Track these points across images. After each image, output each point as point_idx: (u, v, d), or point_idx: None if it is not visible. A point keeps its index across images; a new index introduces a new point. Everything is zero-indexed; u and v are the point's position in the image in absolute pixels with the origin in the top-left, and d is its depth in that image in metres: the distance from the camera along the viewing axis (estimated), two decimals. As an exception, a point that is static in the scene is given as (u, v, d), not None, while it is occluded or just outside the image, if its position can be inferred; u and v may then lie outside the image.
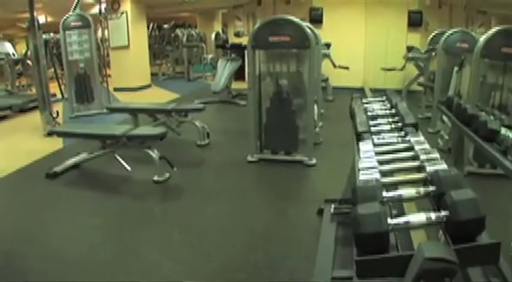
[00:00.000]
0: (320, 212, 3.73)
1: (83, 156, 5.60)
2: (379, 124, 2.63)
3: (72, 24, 9.19)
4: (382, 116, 2.81)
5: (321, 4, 10.93)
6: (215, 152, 6.02)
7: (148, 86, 12.90)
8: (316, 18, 10.78)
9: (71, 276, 3.17)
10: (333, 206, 3.62)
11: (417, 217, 1.37)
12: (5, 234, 4.07)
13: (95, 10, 11.60)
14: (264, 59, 5.38)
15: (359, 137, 2.36)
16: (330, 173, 4.93)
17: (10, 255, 3.64)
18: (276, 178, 4.98)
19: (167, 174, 4.92)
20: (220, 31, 17.48)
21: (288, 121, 5.24)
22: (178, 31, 15.36)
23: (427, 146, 2.00)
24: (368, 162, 1.89)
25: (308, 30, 5.02)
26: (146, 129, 5.47)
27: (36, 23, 7.53)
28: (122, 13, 11.92)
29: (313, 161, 5.16)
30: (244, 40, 12.11)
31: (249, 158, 5.37)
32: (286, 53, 5.32)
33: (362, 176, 1.75)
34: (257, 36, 5.15)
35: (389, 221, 1.34)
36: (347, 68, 9.58)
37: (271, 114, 5.30)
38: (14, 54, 12.11)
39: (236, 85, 9.93)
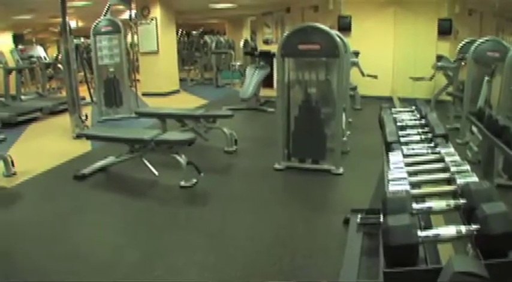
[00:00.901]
0: (346, 221, 3.70)
1: (111, 159, 5.67)
2: (409, 134, 2.61)
3: (103, 29, 9.35)
4: (412, 127, 2.79)
5: (350, 12, 10.84)
6: (242, 159, 6.01)
7: (177, 92, 12.99)
8: (345, 26, 10.66)
9: (95, 279, 3.22)
10: (359, 216, 3.59)
11: (447, 230, 1.36)
12: (32, 234, 4.16)
13: (125, 16, 11.75)
14: (293, 67, 5.35)
15: (388, 147, 2.35)
16: (357, 183, 4.89)
17: (35, 254, 3.73)
18: (303, 186, 4.95)
19: (194, 180, 4.95)
20: (249, 38, 17.54)
21: (316, 129, 5.20)
22: (206, 37, 15.44)
23: (457, 158, 1.98)
24: (398, 173, 1.88)
25: (337, 39, 5.00)
26: (175, 134, 5.50)
27: (68, 28, 7.68)
28: (152, 19, 12.05)
29: (340, 170, 5.11)
30: (273, 47, 12.14)
31: (276, 166, 5.35)
32: (316, 61, 5.28)
33: (392, 187, 1.74)
34: (286, 44, 5.13)
35: (419, 233, 1.33)
36: (375, 76, 9.50)
37: (300, 122, 5.28)
38: (45, 58, 12.33)
39: (264, 92, 9.92)
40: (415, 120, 2.96)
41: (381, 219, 3.24)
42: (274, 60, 10.81)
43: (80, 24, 15.71)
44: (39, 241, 3.98)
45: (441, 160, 2.02)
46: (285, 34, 5.29)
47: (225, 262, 3.37)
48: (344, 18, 10.85)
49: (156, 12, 12.09)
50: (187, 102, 10.58)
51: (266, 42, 14.33)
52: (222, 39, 16.28)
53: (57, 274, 3.32)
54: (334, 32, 5.23)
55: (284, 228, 3.91)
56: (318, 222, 4.00)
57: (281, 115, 5.33)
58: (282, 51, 5.18)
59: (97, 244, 3.88)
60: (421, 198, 1.75)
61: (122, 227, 4.23)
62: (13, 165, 5.93)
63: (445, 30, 10.04)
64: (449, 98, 8.14)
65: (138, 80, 10.27)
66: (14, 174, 5.87)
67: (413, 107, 3.28)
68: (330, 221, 4.00)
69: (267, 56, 10.90)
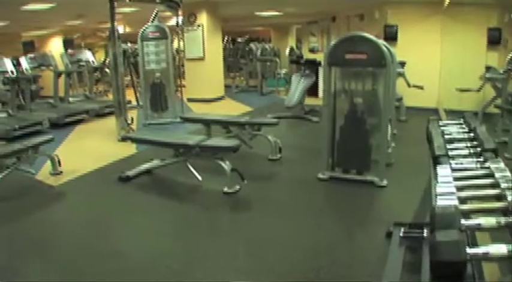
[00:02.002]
0: (389, 234, 3.62)
1: (155, 162, 5.77)
2: (457, 148, 2.57)
3: (150, 35, 9.55)
4: (460, 140, 2.74)
5: (396, 21, 10.65)
6: (286, 167, 6.00)
7: (222, 98, 13.06)
8: (391, 36, 10.45)
9: (135, 278, 3.30)
10: (402, 229, 3.54)
11: (497, 249, 1.34)
12: (75, 231, 4.33)
13: (172, 22, 11.92)
14: (339, 76, 5.30)
15: (436, 161, 2.31)
16: (400, 196, 4.79)
17: (77, 251, 3.86)
18: (346, 197, 4.90)
19: (237, 187, 4.98)
20: (294, 46, 17.53)
21: (361, 140, 5.15)
22: (252, 45, 15.49)
23: (508, 173, 1.93)
24: (446, 188, 1.85)
25: (384, 49, 4.95)
26: (220, 140, 5.55)
27: (116, 33, 7.87)
28: (199, 25, 12.20)
29: (384, 182, 5.02)
30: (318, 56, 12.11)
31: (320, 176, 5.31)
32: (362, 71, 5.23)
33: (440, 202, 1.72)
34: (333, 53, 5.10)
35: (468, 250, 1.31)
36: (422, 87, 9.33)
37: (345, 132, 5.23)
38: (93, 62, 12.61)
39: (309, 101, 9.89)
40: (463, 133, 2.91)
41: (425, 234, 3.21)
42: (320, 69, 10.85)
43: (127, 29, 16.02)
44: (82, 239, 4.13)
45: (491, 175, 1.98)
46: (332, 43, 5.26)
47: (263, 269, 3.39)
48: (390, 27, 10.69)
49: (203, 19, 12.23)
50: (232, 109, 10.65)
51: (312, 50, 14.29)
52: (267, 46, 16.29)
53: (97, 272, 3.43)
54: (381, 42, 5.19)
55: (325, 238, 3.89)
56: (359, 234, 3.97)
57: (327, 124, 5.30)
58: (328, 60, 5.16)
59: (138, 245, 3.97)
60: (472, 214, 1.72)
61: (164, 230, 4.30)
62: (60, 164, 6.15)
63: (494, 39, 9.73)
64: (497, 110, 7.92)
65: (183, 86, 10.39)
66: (61, 173, 6.09)
67: (462, 120, 3.23)
68: (371, 233, 3.95)
69: (313, 65, 10.88)
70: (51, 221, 4.64)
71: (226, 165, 4.94)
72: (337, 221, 4.26)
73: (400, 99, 8.94)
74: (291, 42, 20.11)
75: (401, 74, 9.00)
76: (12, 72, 10.20)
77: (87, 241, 4.06)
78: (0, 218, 4.67)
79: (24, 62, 10.99)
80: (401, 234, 3.47)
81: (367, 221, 4.28)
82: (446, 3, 9.11)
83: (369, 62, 4.98)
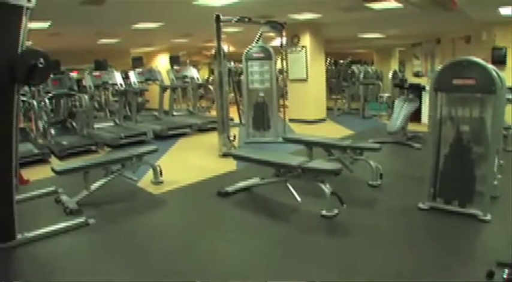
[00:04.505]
0: (490, 275, 3.37)
1: (255, 180, 5.93)
2: None
3: (255, 55, 9.85)
4: None
5: (505, 43, 10.15)
6: (386, 194, 5.87)
7: (323, 120, 13.10)
8: (499, 59, 9.99)
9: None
10: (506, 271, 3.34)
11: None
12: (169, 240, 4.60)
13: (275, 42, 12.14)
14: (445, 103, 5.12)
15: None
16: (505, 233, 4.47)
17: (169, 257, 4.15)
18: (446, 229, 4.66)
19: (336, 210, 4.99)
20: (397, 69, 17.27)
21: (466, 170, 4.94)
22: (354, 67, 15.41)
23: None
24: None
25: (494, 74, 4.74)
26: (322, 163, 5.56)
27: (222, 53, 8.16)
28: (303, 47, 12.34)
29: (488, 217, 4.72)
30: (422, 80, 11.85)
31: (420, 205, 5.14)
32: (470, 97, 5.02)
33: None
34: (440, 78, 4.98)
35: None
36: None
37: (449, 161, 5.05)
38: (197, 79, 13.14)
39: (411, 127, 9.67)
40: None
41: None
42: (423, 94, 10.62)
43: (231, 49, 16.48)
44: (175, 245, 4.43)
45: None
46: (439, 67, 5.13)
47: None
48: (498, 50, 10.21)
49: (306, 40, 12.39)
50: (333, 132, 10.67)
51: (417, 74, 14.00)
52: (369, 69, 16.16)
53: (184, 279, 3.68)
54: (490, 66, 4.99)
55: (420, 270, 3.77)
56: (456, 270, 3.75)
57: (431, 152, 5.16)
58: (435, 85, 5.03)
59: (229, 260, 4.13)
60: None
61: (255, 247, 4.40)
62: (161, 174, 6.52)
63: None
64: None
65: (286, 106, 10.54)
66: (161, 182, 6.47)
67: None
68: (470, 270, 3.72)
69: (416, 89, 10.68)
70: (148, 226, 5.02)
71: (326, 188, 4.96)
72: (435, 253, 4.07)
73: (508, 128, 8.52)
74: (394, 64, 19.81)
75: (511, 101, 8.60)
76: (121, 84, 10.95)
77: (179, 248, 4.35)
78: (103, 219, 5.17)
79: (132, 76, 11.80)
80: (504, 276, 3.28)
81: (467, 256, 4.04)
82: None
83: (478, 88, 4.78)
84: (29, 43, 4.54)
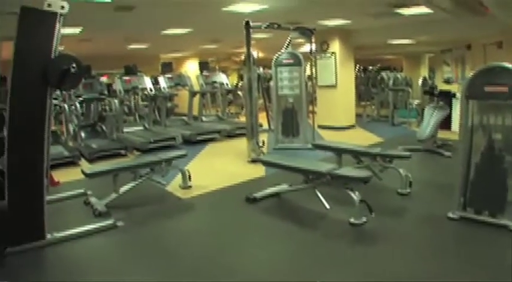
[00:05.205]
0: None
1: (284, 187, 5.94)
2: None
3: (284, 61, 9.85)
4: None
5: (539, 47, 9.99)
6: (415, 203, 5.78)
7: (353, 127, 13.03)
8: (533, 65, 9.82)
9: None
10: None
11: None
12: (196, 243, 4.65)
13: (304, 49, 12.13)
14: (477, 110, 5.02)
15: None
16: None
17: (197, 260, 4.20)
18: (475, 241, 4.52)
19: (364, 218, 4.95)
20: (427, 76, 17.08)
21: (498, 180, 4.82)
22: (383, 74, 15.28)
23: None
24: None
25: (528, 81, 4.66)
26: (351, 170, 5.53)
27: (251, 58, 8.18)
28: (332, 53, 12.31)
29: None
30: (453, 87, 11.69)
31: (450, 215, 5.03)
32: (502, 104, 4.90)
33: None
34: (472, 85, 4.89)
35: None
36: None
37: (480, 170, 4.95)
38: (227, 84, 13.20)
39: (441, 134, 9.52)
40: None
41: None
42: (454, 101, 10.47)
43: (260, 55, 16.52)
44: (201, 249, 4.48)
45: None
46: (471, 74, 5.03)
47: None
48: (532, 55, 10.04)
49: (335, 46, 12.37)
50: (362, 139, 10.60)
51: (447, 81, 13.81)
52: (399, 75, 15.99)
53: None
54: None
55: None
56: None
57: (461, 161, 5.06)
58: (466, 92, 4.95)
59: (256, 265, 4.14)
60: None
61: (283, 254, 4.40)
62: (190, 179, 6.55)
63: None
64: None
65: (314, 112, 10.51)
66: (190, 187, 6.52)
67: None
68: None
69: (447, 96, 10.54)
70: (176, 230, 5.09)
71: (355, 196, 4.94)
72: (463, 265, 3.96)
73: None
74: (423, 71, 19.59)
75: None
76: (150, 89, 11.08)
77: (207, 252, 4.39)
78: (131, 222, 5.25)
79: (162, 81, 11.95)
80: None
81: (496, 269, 3.88)
82: None
83: (510, 95, 4.67)
84: (61, 48, 4.64)
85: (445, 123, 10.06)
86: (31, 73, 4.32)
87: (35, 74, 4.32)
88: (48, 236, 4.59)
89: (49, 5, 4.35)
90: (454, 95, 10.82)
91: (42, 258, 4.37)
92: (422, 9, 8.77)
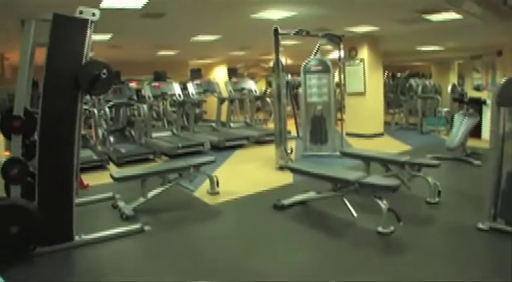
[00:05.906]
0: None
1: (311, 194, 5.91)
2: None
3: (313, 68, 9.83)
4: None
5: None
6: (444, 213, 5.68)
7: (381, 135, 12.93)
8: None
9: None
10: None
11: None
12: (222, 249, 4.68)
13: (332, 55, 12.09)
14: (508, 118, 4.92)
15: None
16: None
17: (224, 263, 4.25)
18: (505, 253, 4.32)
19: (392, 227, 4.89)
20: (456, 83, 16.86)
21: (530, 190, 4.72)
22: (412, 81, 15.11)
23: None
24: None
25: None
26: (379, 178, 5.49)
27: (280, 65, 8.20)
28: (361, 60, 12.26)
29: None
30: (483, 94, 11.52)
31: (479, 225, 4.89)
32: None
33: None
34: (504, 92, 4.79)
35: None
36: None
37: (512, 179, 4.87)
38: (255, 91, 13.23)
39: (471, 143, 9.36)
40: None
41: None
42: (484, 108, 10.32)
43: (289, 61, 16.55)
44: (228, 255, 4.50)
45: None
46: (503, 80, 4.96)
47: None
48: None
49: (364, 53, 12.33)
50: (390, 147, 10.53)
51: (477, 88, 13.64)
52: (427, 82, 15.80)
53: None
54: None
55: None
56: None
57: (492, 170, 4.94)
58: (498, 99, 4.87)
59: (283, 271, 4.11)
60: None
61: (310, 261, 4.36)
62: (218, 185, 6.59)
63: None
64: None
65: (343, 120, 10.49)
66: (217, 193, 6.58)
67: None
68: None
69: (476, 104, 10.39)
70: (203, 235, 5.11)
71: (383, 205, 4.90)
72: (492, 277, 3.85)
73: None
74: (452, 78, 19.32)
75: None
76: (179, 95, 11.19)
77: (233, 258, 4.41)
78: (158, 226, 5.32)
79: (190, 87, 12.07)
80: None
81: None
82: None
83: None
84: (91, 54, 4.74)
85: (475, 131, 9.88)
86: (62, 78, 4.46)
87: (67, 79, 4.46)
88: (77, 237, 4.69)
89: (81, 12, 4.46)
90: (484, 102, 10.66)
91: (69, 259, 4.47)
92: (452, 15, 8.69)
